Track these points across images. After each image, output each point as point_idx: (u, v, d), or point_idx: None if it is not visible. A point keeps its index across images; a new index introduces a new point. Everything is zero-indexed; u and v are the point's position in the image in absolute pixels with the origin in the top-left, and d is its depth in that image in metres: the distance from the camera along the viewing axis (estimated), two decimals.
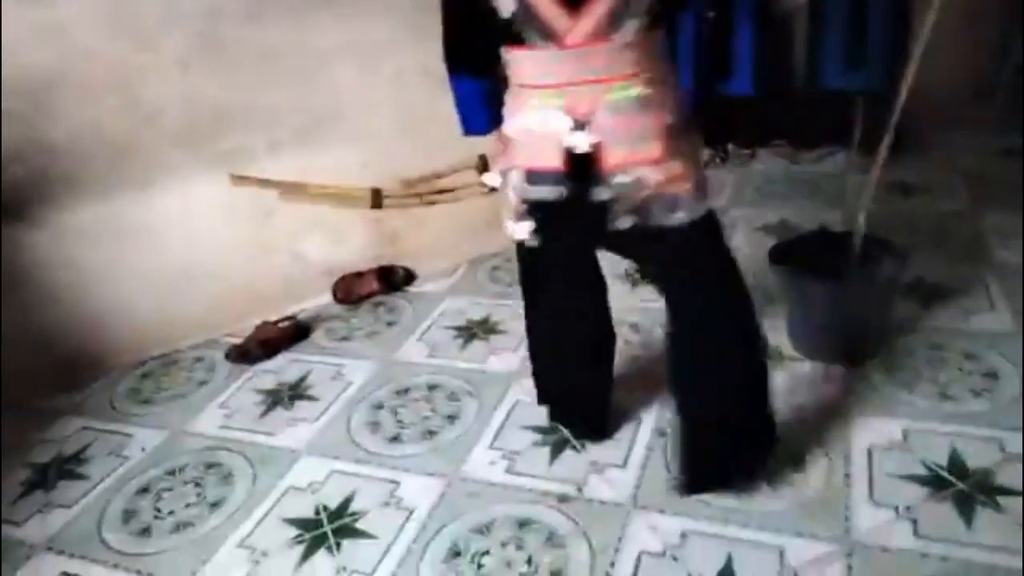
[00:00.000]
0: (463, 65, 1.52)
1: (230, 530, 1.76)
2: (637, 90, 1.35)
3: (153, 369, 2.48)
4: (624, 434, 1.90)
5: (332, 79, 2.48)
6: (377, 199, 2.64)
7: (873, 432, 1.80)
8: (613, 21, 1.30)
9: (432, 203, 2.72)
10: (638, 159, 1.37)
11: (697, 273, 1.51)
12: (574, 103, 1.36)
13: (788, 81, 3.53)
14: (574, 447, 1.88)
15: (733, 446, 1.63)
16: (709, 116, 3.48)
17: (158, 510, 1.85)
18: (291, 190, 2.50)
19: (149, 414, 2.25)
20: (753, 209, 3.14)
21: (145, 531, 1.79)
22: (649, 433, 1.90)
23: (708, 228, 1.47)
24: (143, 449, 2.09)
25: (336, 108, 2.51)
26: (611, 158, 1.37)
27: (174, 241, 2.45)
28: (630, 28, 1.31)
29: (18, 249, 2.24)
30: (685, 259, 1.49)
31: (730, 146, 3.79)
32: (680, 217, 1.41)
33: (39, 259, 2.28)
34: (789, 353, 2.12)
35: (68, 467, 2.05)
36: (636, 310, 2.45)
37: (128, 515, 1.85)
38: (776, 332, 2.17)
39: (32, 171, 2.20)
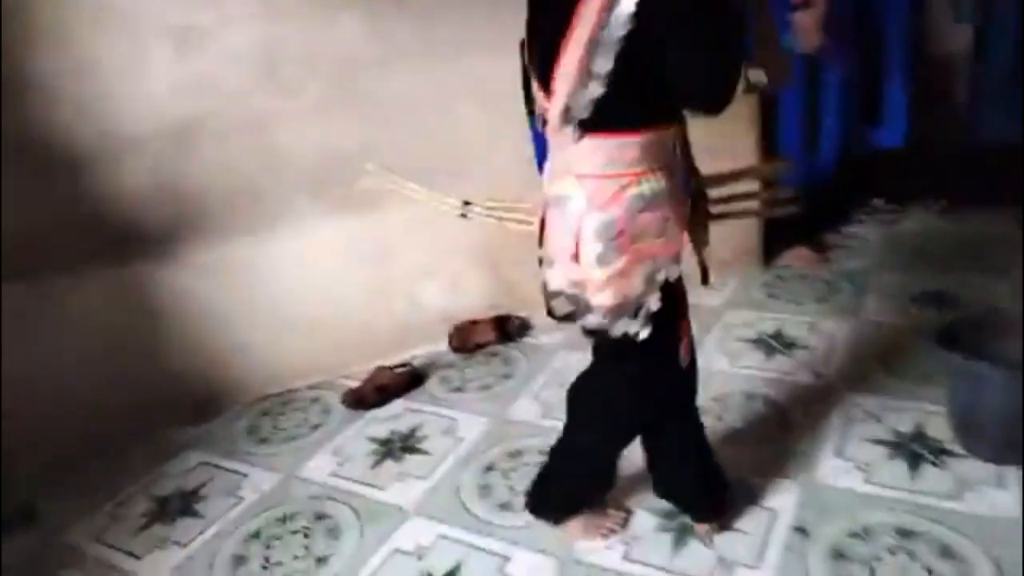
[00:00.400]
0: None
1: None
2: (571, 191, 1.37)
3: (271, 408, 2.51)
4: (755, 526, 1.72)
5: (456, 122, 2.47)
6: None
7: None
8: (566, 113, 1.31)
9: None
10: (558, 253, 1.43)
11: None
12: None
13: (945, 132, 3.23)
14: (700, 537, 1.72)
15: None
16: (851, 167, 3.23)
17: (267, 560, 1.83)
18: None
19: (264, 454, 2.27)
20: (905, 275, 2.86)
21: None
22: (785, 529, 1.70)
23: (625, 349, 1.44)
24: (257, 491, 2.10)
25: (461, 149, 2.51)
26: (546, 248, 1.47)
27: (296, 281, 2.49)
28: (576, 125, 1.32)
29: (153, 286, 2.34)
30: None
31: (875, 201, 3.50)
32: (592, 321, 1.42)
33: (170, 296, 2.37)
34: (955, 449, 1.87)
35: (187, 503, 2.09)
36: (772, 382, 2.26)
37: (238, 561, 1.84)
38: (937, 422, 1.94)
39: (170, 214, 2.30)
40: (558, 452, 1.73)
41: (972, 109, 3.10)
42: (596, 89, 1.26)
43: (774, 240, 3.07)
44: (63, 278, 2.23)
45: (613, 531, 1.76)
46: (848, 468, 1.87)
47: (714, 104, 1.24)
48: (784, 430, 2.05)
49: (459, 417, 2.32)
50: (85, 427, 2.32)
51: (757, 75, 1.38)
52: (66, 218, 2.19)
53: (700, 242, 1.57)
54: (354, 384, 2.51)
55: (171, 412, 2.45)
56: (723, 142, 2.74)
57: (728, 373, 2.35)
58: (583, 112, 1.29)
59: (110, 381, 2.32)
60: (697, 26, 1.20)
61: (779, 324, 2.60)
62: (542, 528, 1.79)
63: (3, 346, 2.17)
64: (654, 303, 1.40)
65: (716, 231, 2.83)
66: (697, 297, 2.76)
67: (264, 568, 1.80)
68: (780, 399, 2.18)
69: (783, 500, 1.79)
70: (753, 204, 1.65)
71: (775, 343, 2.48)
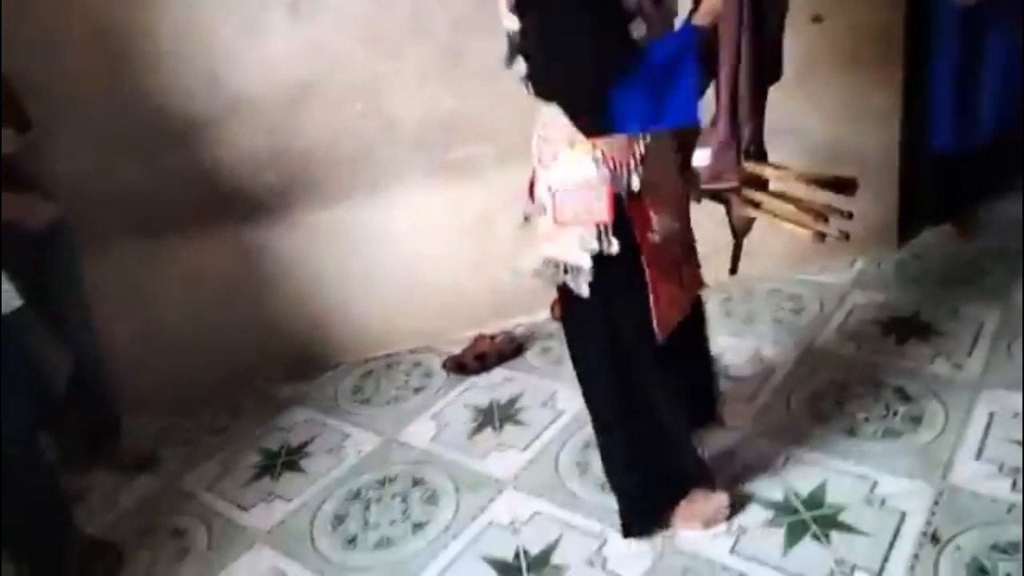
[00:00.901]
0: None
1: (429, 559, 1.70)
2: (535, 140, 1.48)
3: (375, 369, 2.54)
4: (880, 528, 1.57)
5: None
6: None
7: None
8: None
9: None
10: None
11: None
12: None
13: None
14: (816, 536, 1.59)
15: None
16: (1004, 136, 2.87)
17: (365, 521, 1.85)
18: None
19: (366, 415, 2.30)
20: None
21: (351, 542, 1.80)
22: (914, 535, 1.55)
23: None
24: (359, 452, 2.13)
25: None
26: None
27: (402, 246, 2.49)
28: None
29: (265, 246, 2.40)
30: None
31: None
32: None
33: (281, 256, 2.42)
34: None
35: (292, 459, 2.15)
36: (904, 372, 2.06)
37: (338, 520, 1.87)
38: None
39: (281, 176, 2.33)
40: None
41: None
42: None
43: (912, 215, 2.79)
44: (180, 237, 2.32)
45: (716, 520, 1.65)
46: (990, 472, 1.67)
47: (561, 103, 1.35)
48: (916, 425, 1.86)
49: (559, 388, 2.25)
50: (201, 379, 2.43)
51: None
52: (184, 178, 2.26)
53: (739, 229, 1.53)
54: (456, 350, 2.50)
55: (280, 368, 2.52)
56: (859, 104, 2.52)
57: (853, 359, 2.17)
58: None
59: (224, 336, 2.42)
60: (547, 21, 1.27)
61: (915, 307, 2.36)
62: None
63: (124, 301, 2.28)
64: (585, 264, 1.42)
65: (845, 201, 2.60)
66: (820, 275, 2.62)
67: (363, 530, 1.82)
68: (914, 391, 1.98)
69: (913, 502, 1.63)
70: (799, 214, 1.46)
71: (910, 328, 2.26)
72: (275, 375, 2.53)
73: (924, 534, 1.54)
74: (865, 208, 2.65)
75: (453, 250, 2.51)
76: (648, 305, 1.44)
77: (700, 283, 1.66)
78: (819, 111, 2.52)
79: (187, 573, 1.79)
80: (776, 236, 2.63)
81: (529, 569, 1.63)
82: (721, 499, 1.66)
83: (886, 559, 1.50)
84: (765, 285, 2.62)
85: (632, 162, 1.39)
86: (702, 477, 1.68)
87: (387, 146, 2.36)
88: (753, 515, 1.67)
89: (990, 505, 1.59)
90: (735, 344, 2.32)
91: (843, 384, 2.06)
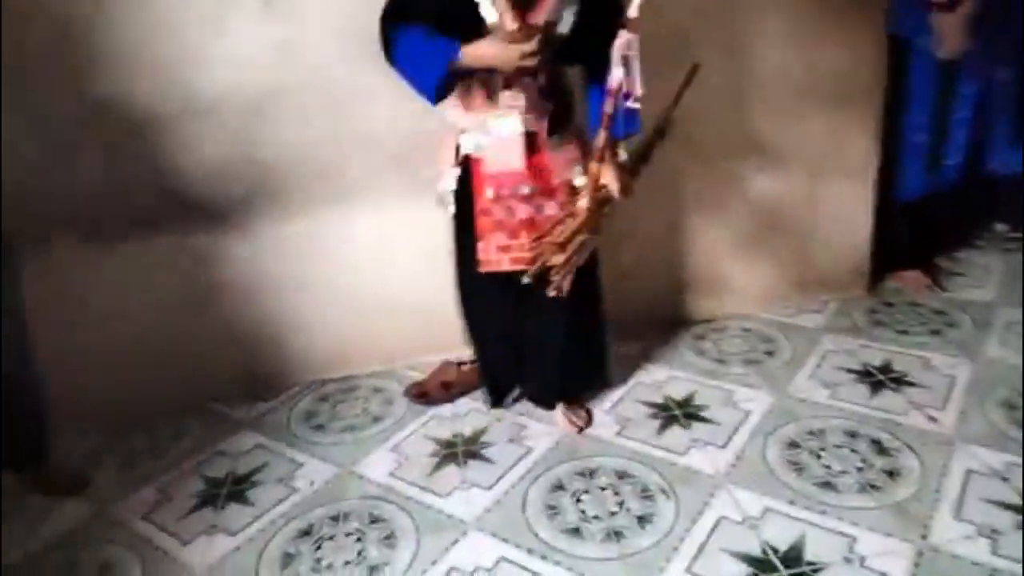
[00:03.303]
0: None
1: None
2: None
3: (331, 393, 2.40)
4: None
5: None
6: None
7: None
8: None
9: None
10: None
11: None
12: None
13: None
14: None
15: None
16: (973, 188, 2.92)
17: (317, 561, 1.71)
18: None
19: (321, 443, 2.16)
20: None
21: None
22: None
23: None
24: (312, 483, 1.99)
25: None
26: None
27: (367, 265, 2.36)
28: None
29: (221, 256, 2.25)
30: None
31: (998, 227, 3.17)
32: None
33: (238, 268, 2.27)
34: None
35: (239, 488, 1.99)
36: (879, 422, 2.03)
37: (287, 559, 1.73)
38: None
39: (243, 185, 2.19)
40: None
41: None
42: None
43: (882, 261, 2.80)
44: (130, 243, 2.16)
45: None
46: (970, 533, 1.63)
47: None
48: (894, 479, 1.82)
49: (528, 424, 2.16)
50: (143, 396, 2.26)
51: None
52: (137, 180, 2.11)
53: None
54: (419, 376, 2.38)
55: (229, 388, 2.37)
56: (832, 144, 2.52)
57: (827, 406, 2.13)
58: None
59: (169, 351, 2.26)
60: None
61: (887, 356, 2.35)
62: (612, 564, 1.63)
63: (63, 309, 2.11)
64: (446, 201, 1.92)
65: (819, 248, 2.60)
66: (793, 317, 2.60)
67: (314, 571, 1.69)
68: (888, 443, 1.95)
69: (894, 562, 1.57)
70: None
71: (883, 377, 2.24)
72: (224, 395, 2.37)
73: None
74: (839, 252, 2.69)
75: (422, 272, 2.39)
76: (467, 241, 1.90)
77: (556, 268, 1.71)
78: (800, 155, 2.51)
79: None
80: (751, 275, 2.64)
81: None
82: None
83: None
84: (738, 324, 2.59)
85: (458, 137, 1.83)
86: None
87: (360, 160, 2.23)
88: (730, 570, 1.59)
89: (971, 569, 1.54)
90: (708, 385, 2.26)
91: (819, 433, 2.01)
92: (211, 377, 2.33)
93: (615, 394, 2.26)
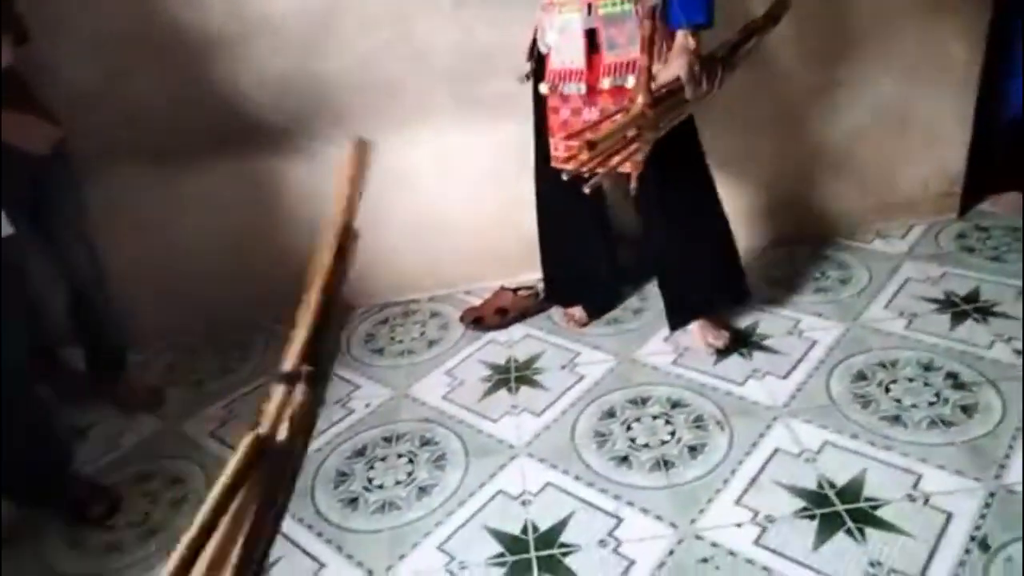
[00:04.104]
0: None
1: (431, 526, 1.61)
2: None
3: (391, 316, 2.44)
4: (924, 530, 1.43)
5: None
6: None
7: None
8: None
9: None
10: None
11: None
12: None
13: None
14: (850, 532, 1.45)
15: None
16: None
17: (369, 480, 1.77)
18: None
19: (379, 366, 2.20)
20: None
21: (352, 502, 1.71)
22: (962, 538, 1.41)
23: None
24: (367, 405, 2.04)
25: None
26: None
27: (426, 187, 2.34)
28: None
29: (282, 179, 2.27)
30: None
31: None
32: None
33: (299, 191, 2.28)
34: None
35: None
36: (959, 355, 1.89)
37: (341, 478, 1.79)
38: None
39: (303, 104, 2.18)
40: None
41: None
42: None
43: (978, 182, 2.56)
44: (194, 163, 2.20)
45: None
46: None
47: None
48: (970, 416, 1.70)
49: (582, 351, 2.13)
50: (212, 315, 2.35)
51: None
52: (199, 100, 2.13)
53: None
54: (476, 302, 2.38)
55: (290, 310, 2.42)
56: (929, 50, 2.29)
57: (902, 336, 2.00)
58: None
59: (233, 272, 2.32)
60: None
61: (974, 284, 2.17)
62: (659, 493, 1.60)
63: (132, 229, 2.19)
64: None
65: (909, 167, 2.39)
66: (872, 242, 2.43)
67: (366, 489, 1.74)
68: (968, 377, 1.81)
69: (961, 502, 1.48)
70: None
71: (968, 307, 2.08)
72: (288, 317, 2.43)
73: (972, 539, 1.41)
74: (928, 172, 2.47)
75: (485, 195, 2.36)
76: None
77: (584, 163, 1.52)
78: (890, 65, 2.29)
79: (185, 523, 1.72)
80: (824, 198, 2.47)
81: (536, 547, 1.53)
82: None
83: (927, 564, 1.37)
84: (810, 251, 2.44)
85: (541, 32, 1.83)
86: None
87: (415, 77, 2.18)
88: (781, 503, 1.54)
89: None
90: (772, 313, 2.16)
91: (890, 365, 1.89)
92: (275, 297, 2.37)
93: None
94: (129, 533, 1.71)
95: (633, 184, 1.61)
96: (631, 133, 1.52)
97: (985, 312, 2.05)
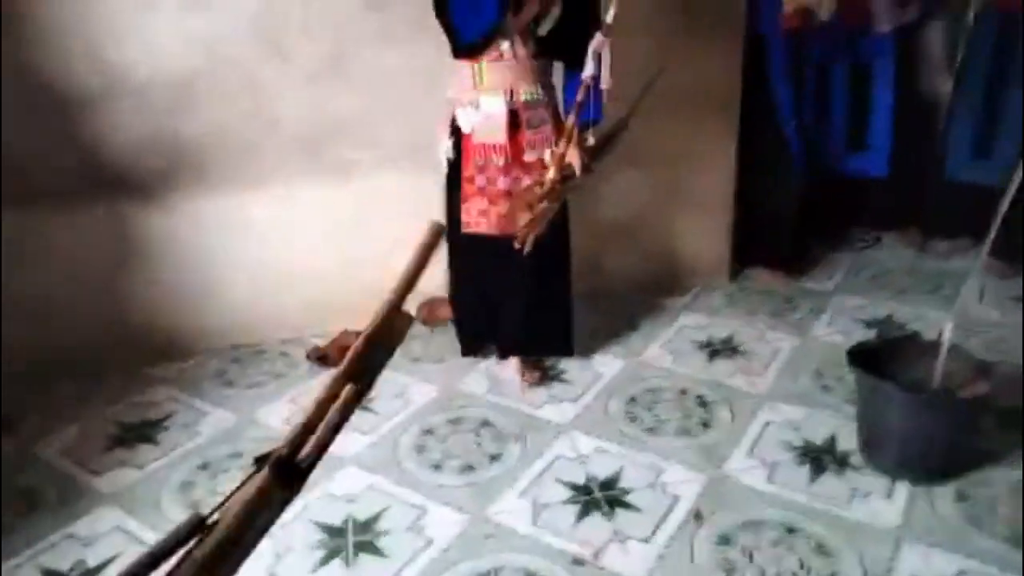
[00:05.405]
0: None
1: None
2: None
3: (242, 356, 2.69)
4: (655, 507, 1.86)
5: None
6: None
7: (924, 564, 1.65)
8: None
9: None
10: None
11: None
12: None
13: (924, 166, 3.31)
14: (604, 512, 1.86)
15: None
16: (832, 194, 3.33)
17: (214, 491, 1.99)
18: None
19: (228, 397, 2.45)
20: (861, 299, 2.97)
21: (195, 504, 1.94)
22: (683, 512, 1.84)
23: None
24: (214, 429, 2.27)
25: None
26: None
27: (279, 239, 2.65)
28: None
29: (142, 227, 2.53)
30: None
31: (854, 229, 3.59)
32: None
33: (157, 239, 2.55)
34: (858, 462, 1.99)
35: (149, 432, 2.27)
36: (707, 383, 2.39)
37: (185, 487, 2.02)
38: (849, 435, 2.06)
39: (163, 161, 2.47)
40: None
41: (946, 148, 3.19)
42: None
43: (745, 255, 3.19)
44: (58, 211, 2.42)
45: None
46: (754, 466, 2.00)
47: None
48: (707, 427, 2.18)
49: (410, 383, 2.47)
50: (66, 351, 2.51)
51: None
52: (65, 154, 2.37)
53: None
54: (322, 343, 2.68)
55: (147, 348, 2.63)
56: (697, 146, 2.89)
57: (668, 370, 2.49)
58: None
59: (92, 312, 2.52)
60: None
61: (731, 331, 2.73)
62: (461, 491, 1.95)
63: (6, 270, 2.36)
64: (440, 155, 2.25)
65: (686, 240, 2.95)
66: (659, 300, 2.96)
67: (209, 496, 1.97)
68: (710, 398, 2.32)
69: (688, 488, 1.93)
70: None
71: (721, 348, 2.62)
72: (144, 355, 2.63)
73: (690, 512, 1.85)
74: (703, 244, 3.06)
75: (328, 247, 2.70)
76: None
77: (522, 228, 2.00)
78: (664, 154, 2.87)
79: (33, 527, 1.88)
80: (625, 257, 2.99)
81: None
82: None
83: (656, 530, 1.79)
84: (607, 301, 2.94)
85: (460, 115, 2.16)
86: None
87: (270, 142, 2.53)
88: (555, 493, 1.93)
89: (747, 492, 1.91)
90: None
91: (655, 391, 2.37)
92: (130, 337, 2.59)
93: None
94: None
95: (529, 244, 2.01)
96: (543, 204, 1.99)
97: (734, 351, 2.60)
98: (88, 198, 2.44)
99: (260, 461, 0.74)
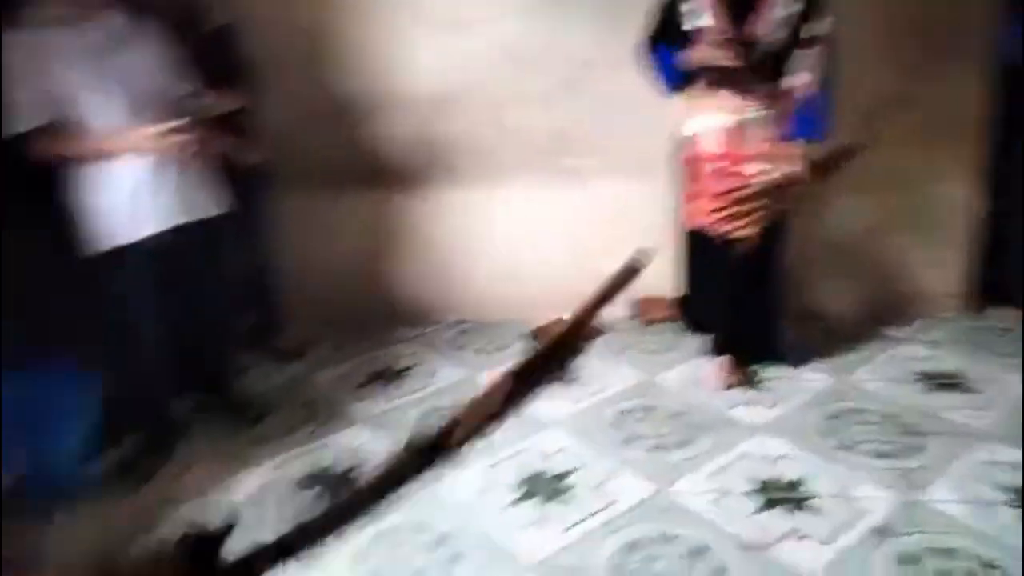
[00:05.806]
0: None
1: None
2: None
3: (472, 328, 3.10)
4: (838, 515, 1.89)
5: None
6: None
7: None
8: None
9: None
10: None
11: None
12: None
13: None
14: None
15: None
16: None
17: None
18: None
19: (458, 358, 2.87)
20: None
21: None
22: (867, 526, 1.86)
23: None
24: (444, 381, 2.70)
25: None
26: None
27: (513, 233, 3.03)
28: None
29: (404, 214, 3.04)
30: None
31: None
32: None
33: (414, 224, 3.04)
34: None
35: (395, 377, 2.74)
36: (918, 412, 2.32)
37: (420, 419, 2.42)
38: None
39: (424, 159, 2.95)
40: None
41: None
42: None
43: (991, 292, 2.97)
44: (338, 198, 2.99)
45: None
46: (958, 499, 1.94)
47: None
48: (910, 453, 2.14)
49: (615, 369, 2.70)
50: (342, 305, 3.07)
51: None
52: (347, 151, 2.93)
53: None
54: (540, 325, 2.98)
55: (398, 312, 3.14)
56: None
57: (876, 394, 2.46)
58: None
59: (359, 278, 3.07)
60: None
61: (956, 366, 2.60)
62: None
63: (297, 237, 2.98)
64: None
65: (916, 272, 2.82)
66: (878, 327, 2.86)
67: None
68: (922, 428, 2.26)
69: (878, 504, 1.93)
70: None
71: (942, 379, 2.52)
72: (396, 317, 3.12)
73: (876, 527, 1.85)
74: (936, 277, 2.89)
75: (555, 243, 3.02)
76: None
77: (737, 232, 2.10)
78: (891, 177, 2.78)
79: (304, 434, 2.39)
80: (846, 282, 2.93)
81: None
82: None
83: (836, 536, 1.82)
84: (823, 322, 2.92)
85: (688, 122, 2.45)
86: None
87: (510, 149, 2.91)
88: (738, 485, 2.03)
89: (944, 520, 1.86)
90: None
91: (860, 411, 2.36)
92: (387, 302, 3.10)
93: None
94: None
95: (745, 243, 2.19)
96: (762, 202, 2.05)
97: (956, 386, 2.48)
98: (364, 187, 2.99)
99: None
